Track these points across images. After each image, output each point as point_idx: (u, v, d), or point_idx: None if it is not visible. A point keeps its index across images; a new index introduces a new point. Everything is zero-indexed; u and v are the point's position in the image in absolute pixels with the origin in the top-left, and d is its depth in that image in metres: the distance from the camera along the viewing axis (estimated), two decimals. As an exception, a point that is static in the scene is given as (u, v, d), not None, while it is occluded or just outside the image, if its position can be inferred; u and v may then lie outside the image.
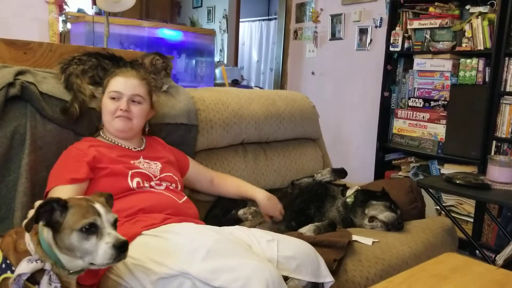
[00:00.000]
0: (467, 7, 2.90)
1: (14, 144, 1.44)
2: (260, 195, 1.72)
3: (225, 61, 5.78)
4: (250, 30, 7.03)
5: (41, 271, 0.97)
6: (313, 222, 1.68)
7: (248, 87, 5.18)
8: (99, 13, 3.96)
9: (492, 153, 2.76)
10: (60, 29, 3.42)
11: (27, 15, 3.04)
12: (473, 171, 2.77)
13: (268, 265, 1.15)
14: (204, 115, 1.88)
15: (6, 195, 1.42)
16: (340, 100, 3.92)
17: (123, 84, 1.50)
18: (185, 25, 5.86)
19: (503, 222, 2.70)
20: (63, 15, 3.48)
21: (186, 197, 1.54)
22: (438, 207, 2.81)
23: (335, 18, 3.91)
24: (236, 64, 5.80)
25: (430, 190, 2.24)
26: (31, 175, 1.43)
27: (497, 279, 1.24)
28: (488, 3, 2.80)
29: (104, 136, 1.55)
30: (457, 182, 2.11)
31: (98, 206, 1.01)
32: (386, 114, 3.40)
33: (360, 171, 3.39)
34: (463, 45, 2.89)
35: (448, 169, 2.92)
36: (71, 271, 1.01)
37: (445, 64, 2.97)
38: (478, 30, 2.80)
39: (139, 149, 1.57)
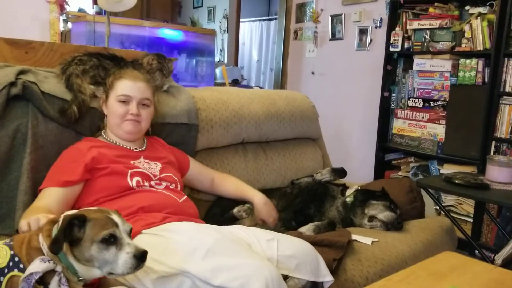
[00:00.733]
0: (467, 7, 2.90)
1: (16, 143, 1.45)
2: (257, 198, 1.73)
3: (226, 61, 5.78)
4: (251, 30, 7.03)
5: (50, 272, 0.97)
6: (312, 222, 1.68)
7: (248, 86, 5.18)
8: (100, 12, 3.96)
9: (492, 153, 2.77)
10: (61, 28, 3.42)
11: (28, 15, 3.04)
12: (473, 171, 2.78)
13: (267, 264, 1.15)
14: (205, 115, 1.89)
15: (7, 193, 1.43)
16: (340, 100, 3.92)
17: (132, 87, 1.50)
18: (185, 25, 5.86)
19: (502, 222, 2.70)
20: (64, 14, 3.48)
21: (186, 196, 1.55)
22: (437, 207, 2.81)
23: (335, 18, 3.92)
24: (236, 64, 5.80)
25: (430, 190, 2.24)
26: (32, 174, 1.44)
27: (495, 277, 1.24)
28: (488, 4, 2.81)
29: (105, 137, 1.55)
30: (457, 182, 2.11)
31: (116, 217, 1.03)
32: (386, 114, 3.40)
33: (360, 171, 3.40)
34: (463, 45, 2.90)
35: (447, 169, 2.92)
36: (80, 278, 1.02)
37: (444, 64, 2.98)
38: (478, 31, 2.81)
39: (140, 149, 1.58)
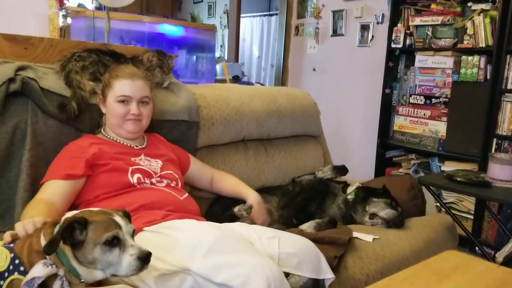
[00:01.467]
0: (469, 4, 2.89)
1: (15, 140, 1.44)
2: (251, 197, 1.71)
3: (226, 57, 5.77)
4: (251, 26, 7.00)
5: (52, 276, 0.96)
6: (314, 219, 1.68)
7: (249, 83, 5.17)
8: (99, 8, 3.94)
9: (493, 150, 2.76)
10: (60, 24, 3.41)
11: (28, 10, 3.02)
12: (474, 169, 2.77)
13: (269, 261, 1.15)
14: (205, 112, 1.88)
15: (7, 190, 1.42)
16: (341, 97, 3.91)
17: (131, 87, 1.49)
18: (186, 20, 5.84)
19: (503, 219, 2.70)
20: (63, 10, 3.46)
21: (187, 193, 1.54)
22: (438, 204, 2.81)
23: (337, 14, 3.89)
24: (236, 60, 5.78)
25: (431, 187, 2.24)
26: (32, 171, 1.43)
27: (498, 277, 1.24)
28: (490, 0, 2.79)
29: (105, 134, 1.54)
30: (458, 179, 2.11)
31: (118, 219, 1.02)
32: (387, 111, 3.39)
33: (361, 168, 3.39)
34: (465, 42, 2.89)
35: (448, 167, 2.92)
36: (82, 280, 1.01)
37: (446, 61, 2.96)
38: (480, 27, 2.79)
39: (140, 147, 1.57)
